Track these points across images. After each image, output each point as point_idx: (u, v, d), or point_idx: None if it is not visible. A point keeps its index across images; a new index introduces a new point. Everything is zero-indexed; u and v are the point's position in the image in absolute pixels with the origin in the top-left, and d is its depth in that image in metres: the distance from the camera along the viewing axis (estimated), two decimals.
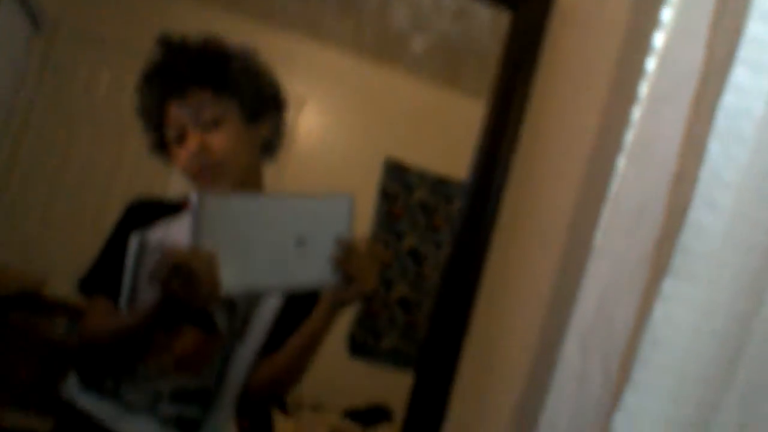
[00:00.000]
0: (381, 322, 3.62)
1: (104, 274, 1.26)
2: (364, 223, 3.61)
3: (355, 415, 3.12)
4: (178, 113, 1.17)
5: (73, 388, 1.24)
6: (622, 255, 0.72)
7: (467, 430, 0.80)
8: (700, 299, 0.73)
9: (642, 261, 0.70)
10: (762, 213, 0.76)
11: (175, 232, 1.26)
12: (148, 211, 1.27)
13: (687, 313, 0.73)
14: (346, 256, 1.03)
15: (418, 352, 0.85)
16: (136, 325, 1.12)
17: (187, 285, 0.97)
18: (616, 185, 0.77)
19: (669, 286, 0.71)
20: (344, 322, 3.53)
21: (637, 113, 0.79)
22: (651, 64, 0.79)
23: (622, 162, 0.77)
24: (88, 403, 1.21)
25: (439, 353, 0.82)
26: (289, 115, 1.36)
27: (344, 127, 3.69)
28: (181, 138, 1.18)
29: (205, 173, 1.20)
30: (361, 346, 3.58)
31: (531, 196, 0.81)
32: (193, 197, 0.93)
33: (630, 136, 0.79)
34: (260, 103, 1.23)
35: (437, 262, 3.71)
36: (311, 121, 3.62)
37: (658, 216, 0.70)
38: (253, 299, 1.28)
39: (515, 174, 0.84)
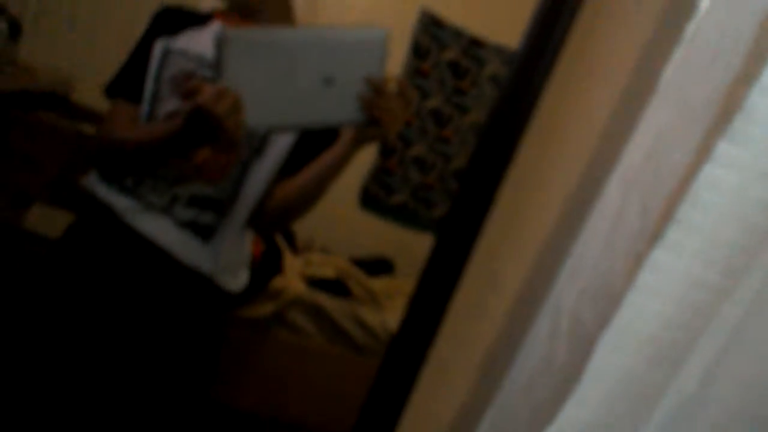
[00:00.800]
0: (394, 178, 3.63)
1: (130, 79, 1.26)
2: (390, 74, 3.52)
3: (360, 263, 3.20)
4: None
5: (94, 182, 1.27)
6: (687, 100, 0.69)
7: (494, 264, 0.80)
8: (752, 164, 0.71)
9: (708, 106, 0.67)
10: None
11: (199, 43, 1.24)
12: (176, 20, 1.27)
13: (734, 176, 0.70)
14: (375, 96, 1.01)
15: (452, 199, 0.84)
16: (153, 142, 1.12)
17: (209, 126, 0.97)
18: (693, 24, 0.71)
19: (722, 148, 0.68)
20: (359, 174, 3.54)
21: None
22: None
23: (704, 2, 0.72)
24: (108, 196, 1.24)
25: (472, 196, 0.80)
26: None
27: None
28: None
29: None
30: (372, 199, 3.61)
31: (599, 30, 0.76)
32: (219, 29, 0.90)
33: None
34: None
35: (458, 126, 3.66)
36: None
37: (735, 60, 0.66)
38: None
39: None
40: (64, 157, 1.91)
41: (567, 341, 0.72)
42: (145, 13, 1.33)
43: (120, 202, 1.24)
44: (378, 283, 3.04)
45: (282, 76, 0.95)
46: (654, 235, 0.68)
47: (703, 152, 0.68)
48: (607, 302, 0.68)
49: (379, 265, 3.28)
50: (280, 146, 1.29)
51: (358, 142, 1.13)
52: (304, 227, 3.06)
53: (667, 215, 0.68)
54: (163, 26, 1.28)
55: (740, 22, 0.65)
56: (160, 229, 1.23)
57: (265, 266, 2.61)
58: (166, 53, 1.24)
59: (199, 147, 1.12)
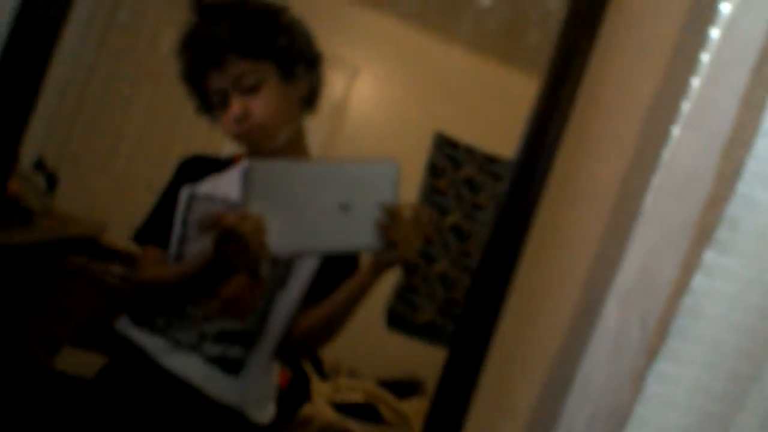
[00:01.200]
0: (420, 296, 3.65)
1: (157, 226, 1.33)
2: (409, 196, 3.63)
3: (388, 385, 3.17)
4: (218, 81, 1.20)
5: (126, 325, 1.32)
6: (669, 220, 0.74)
7: (500, 393, 0.83)
8: (742, 272, 0.74)
9: (687, 227, 0.71)
10: None
11: (223, 185, 1.31)
12: (200, 167, 1.33)
13: (727, 285, 0.74)
14: (390, 221, 1.06)
15: (456, 324, 0.87)
16: (185, 277, 1.18)
17: (236, 247, 1.02)
18: (669, 151, 0.77)
19: (710, 257, 0.72)
20: (384, 294, 3.57)
21: (696, 82, 0.79)
22: (715, 32, 0.79)
23: (677, 130, 0.78)
24: (140, 338, 1.28)
25: (475, 322, 0.84)
26: (341, 82, 1.41)
27: (397, 98, 3.70)
28: (224, 103, 1.22)
29: (250, 135, 1.23)
30: (398, 319, 3.62)
31: (582, 161, 0.82)
32: (244, 163, 0.97)
33: (687, 105, 0.79)
34: (297, 61, 1.25)
35: (480, 241, 3.72)
36: (365, 90, 3.65)
37: (707, 184, 0.71)
38: None
39: (567, 140, 0.85)
40: (96, 302, 1.98)
41: None
42: (172, 157, 1.42)
43: (151, 342, 1.27)
44: (408, 405, 2.99)
45: (302, 203, 1.01)
46: (655, 349, 0.70)
47: (691, 265, 0.72)
48: (618, 421, 0.70)
49: (408, 387, 3.24)
50: (303, 276, 1.34)
51: (378, 269, 1.16)
52: (330, 351, 3.05)
53: (665, 328, 0.71)
54: (188, 174, 1.35)
55: (709, 146, 0.71)
56: (189, 367, 1.26)
57: (293, 394, 2.60)
58: (192, 198, 1.31)
59: (229, 276, 1.16)
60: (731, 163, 0.70)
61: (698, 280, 0.72)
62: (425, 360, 3.46)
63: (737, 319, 0.76)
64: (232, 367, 1.27)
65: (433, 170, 3.73)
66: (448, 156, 3.73)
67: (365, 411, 2.80)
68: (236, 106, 1.19)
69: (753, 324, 0.77)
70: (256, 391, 1.31)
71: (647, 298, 0.73)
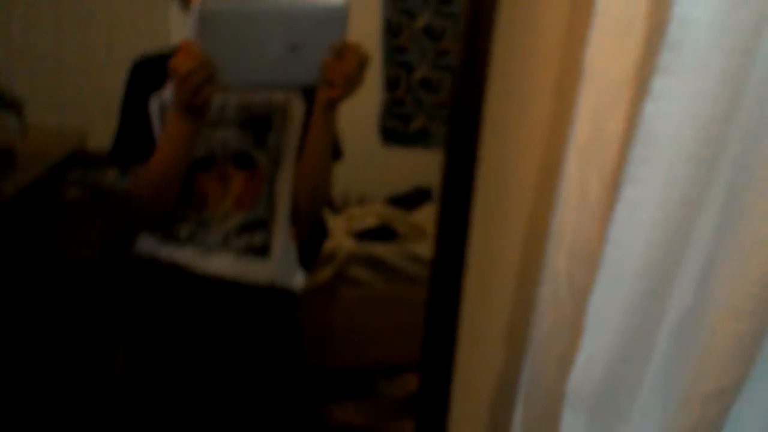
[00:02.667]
0: (407, 106, 3.69)
1: (133, 141, 1.37)
2: (371, 3, 3.54)
3: (398, 200, 3.32)
4: None
5: (150, 246, 1.41)
6: (608, 73, 0.78)
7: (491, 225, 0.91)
8: (684, 91, 0.79)
9: (629, 79, 0.76)
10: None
11: None
12: (155, 69, 1.35)
13: (673, 106, 0.79)
14: (334, 60, 1.14)
15: (446, 132, 0.97)
16: (168, 144, 1.25)
17: (187, 83, 1.11)
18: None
19: (657, 83, 0.76)
20: (373, 114, 3.62)
21: None
22: None
23: None
24: (169, 252, 1.38)
25: (462, 132, 0.91)
26: None
27: None
28: None
29: None
30: (392, 133, 3.69)
31: (524, 19, 0.84)
32: (196, 5, 1.03)
33: None
34: None
35: (456, 35, 3.66)
36: None
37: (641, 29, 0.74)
38: (280, 131, 1.39)
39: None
40: (106, 213, 2.06)
41: (571, 298, 0.84)
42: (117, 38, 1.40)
43: (182, 254, 1.38)
44: (420, 215, 3.16)
45: (252, 42, 1.07)
46: (612, 198, 0.78)
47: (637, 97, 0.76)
48: (591, 264, 0.79)
49: (417, 197, 3.40)
50: (290, 152, 1.42)
51: (325, 106, 1.27)
52: (337, 184, 3.18)
53: (620, 176, 0.78)
54: (145, 78, 1.37)
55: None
56: (224, 264, 1.39)
57: (312, 236, 2.77)
58: (163, 108, 1.35)
59: (200, 118, 1.23)
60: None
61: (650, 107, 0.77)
62: (426, 167, 3.59)
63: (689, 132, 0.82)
64: (260, 251, 1.40)
65: (390, 28, 3.60)
66: (401, 10, 3.58)
67: (382, 232, 2.98)
68: None
69: (706, 134, 0.83)
70: (286, 263, 1.45)
71: (602, 149, 0.80)
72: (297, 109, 1.43)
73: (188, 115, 1.20)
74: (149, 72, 1.37)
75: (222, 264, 1.38)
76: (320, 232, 2.79)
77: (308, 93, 1.40)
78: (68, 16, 3.05)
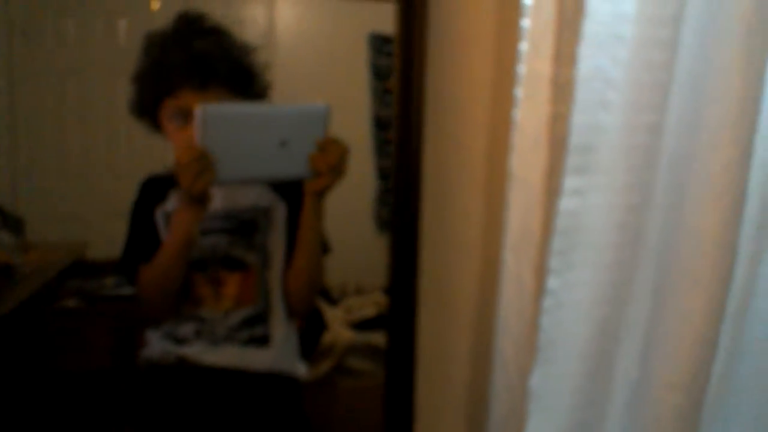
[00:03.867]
0: None
1: (140, 249, 1.48)
2: (361, 101, 3.72)
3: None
4: (192, 99, 1.32)
5: (155, 346, 1.49)
6: (530, 177, 0.88)
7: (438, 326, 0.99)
8: (599, 188, 0.89)
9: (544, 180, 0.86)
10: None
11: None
12: (160, 185, 1.49)
13: (591, 199, 0.88)
14: (319, 154, 1.27)
15: (389, 246, 1.11)
16: (172, 240, 1.35)
17: (190, 172, 1.21)
18: (518, 114, 0.90)
19: (570, 183, 0.85)
20: (368, 204, 3.75)
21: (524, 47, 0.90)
22: None
23: (520, 93, 0.90)
24: (178, 349, 1.46)
25: (404, 236, 1.00)
26: (265, 13, 1.57)
27: (322, 12, 3.70)
28: (185, 119, 1.35)
29: None
30: (386, 222, 3.80)
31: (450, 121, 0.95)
32: (198, 108, 1.18)
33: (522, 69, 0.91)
34: (257, 94, 1.45)
35: None
36: (287, 14, 3.65)
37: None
38: (265, 232, 1.51)
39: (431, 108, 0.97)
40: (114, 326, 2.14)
41: (520, 384, 0.91)
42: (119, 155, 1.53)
43: (191, 350, 1.47)
44: None
45: (247, 141, 1.21)
46: (542, 289, 0.86)
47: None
48: (532, 345, 0.87)
49: None
50: (279, 249, 1.53)
51: (315, 195, 1.37)
52: (334, 276, 3.26)
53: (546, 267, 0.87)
54: (152, 192, 1.51)
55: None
56: (229, 355, 1.47)
57: (310, 328, 2.82)
58: (167, 216, 1.47)
59: (202, 212, 1.33)
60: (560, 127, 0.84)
61: (565, 203, 0.86)
62: None
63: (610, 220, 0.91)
64: (261, 341, 1.48)
65: (378, 73, 3.77)
66: (388, 54, 3.76)
67: (381, 321, 3.03)
68: None
69: (626, 219, 0.92)
70: (287, 351, 1.53)
71: (531, 244, 0.89)
72: (279, 210, 1.55)
73: (190, 203, 1.32)
74: (156, 188, 1.51)
75: (226, 355, 1.48)
76: (318, 324, 2.85)
77: (288, 197, 1.52)
78: (71, 130, 3.23)
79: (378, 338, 2.90)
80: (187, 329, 1.47)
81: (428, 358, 0.94)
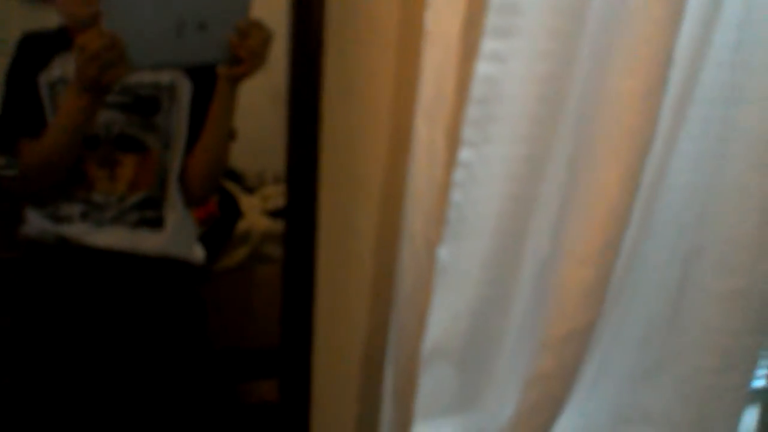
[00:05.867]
0: None
1: (18, 123, 1.34)
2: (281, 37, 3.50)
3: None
4: None
5: (36, 224, 1.38)
6: (447, 34, 0.80)
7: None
8: (521, 54, 0.82)
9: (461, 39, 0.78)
10: None
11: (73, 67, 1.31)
12: (42, 45, 1.33)
13: (511, 66, 0.82)
14: (239, 38, 1.16)
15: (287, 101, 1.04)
16: (64, 122, 1.24)
17: (95, 64, 1.09)
18: None
19: (488, 46, 0.79)
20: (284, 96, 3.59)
21: None
22: None
23: None
24: (59, 229, 1.36)
25: (304, 103, 0.92)
26: None
27: None
28: None
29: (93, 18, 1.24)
30: None
31: None
32: None
33: None
34: None
35: None
36: None
37: None
38: (168, 112, 1.39)
39: None
40: None
41: (428, 257, 0.88)
42: None
43: (73, 229, 1.36)
44: None
45: (159, 21, 1.09)
46: (455, 160, 0.81)
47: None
48: (441, 222, 0.83)
49: None
50: (181, 131, 1.41)
51: (231, 81, 1.27)
52: (251, 164, 3.15)
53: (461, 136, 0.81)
54: (32, 54, 1.34)
55: None
56: (117, 236, 1.38)
57: (225, 216, 2.74)
58: (53, 86, 1.32)
59: (100, 101, 1.22)
60: None
61: (483, 68, 0.80)
62: None
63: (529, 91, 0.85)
64: (154, 223, 1.39)
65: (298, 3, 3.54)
66: None
67: None
68: None
69: (545, 92, 0.87)
70: (181, 236, 1.44)
71: (445, 110, 0.83)
72: (184, 89, 1.42)
73: (91, 93, 1.19)
74: (37, 49, 1.35)
75: (114, 237, 1.38)
76: (233, 211, 2.77)
77: (194, 75, 1.40)
78: None
79: None
80: (72, 210, 1.36)
81: (330, 235, 0.89)
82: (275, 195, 3.09)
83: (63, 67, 1.32)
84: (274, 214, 2.90)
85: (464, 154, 0.79)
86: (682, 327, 0.99)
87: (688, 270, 0.98)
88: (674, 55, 0.81)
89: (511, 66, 0.82)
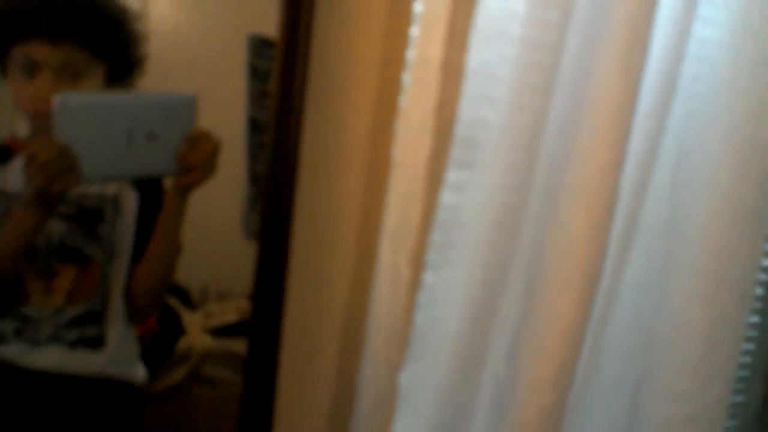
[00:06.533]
0: None
1: None
2: (237, 103, 3.59)
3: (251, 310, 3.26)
4: (41, 51, 1.18)
5: None
6: (413, 166, 0.86)
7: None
8: (481, 183, 0.88)
9: (427, 170, 0.84)
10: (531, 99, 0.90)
11: (12, 181, 1.31)
12: None
13: (472, 196, 0.87)
14: (188, 148, 1.16)
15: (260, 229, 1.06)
16: (14, 236, 1.20)
17: (44, 175, 1.06)
18: (404, 100, 0.88)
19: (453, 176, 0.84)
20: (236, 210, 3.60)
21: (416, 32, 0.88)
22: None
23: (407, 78, 0.88)
24: None
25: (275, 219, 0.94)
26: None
27: (200, 8, 3.55)
28: (32, 72, 1.21)
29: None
30: (255, 229, 3.68)
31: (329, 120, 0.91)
32: (55, 98, 1.03)
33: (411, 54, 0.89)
34: (127, 68, 1.29)
35: None
36: (162, 7, 3.47)
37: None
38: (112, 223, 1.38)
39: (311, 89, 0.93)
40: None
41: (388, 376, 0.88)
42: None
43: (7, 350, 1.29)
44: None
45: (110, 133, 1.09)
46: (419, 283, 0.84)
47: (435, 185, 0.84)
48: (404, 339, 0.84)
49: None
50: (126, 242, 1.40)
51: (181, 191, 1.28)
52: (195, 280, 3.10)
53: (425, 260, 0.84)
54: None
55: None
56: (54, 357, 1.31)
57: (165, 333, 2.66)
58: None
59: (50, 214, 1.20)
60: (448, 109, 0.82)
61: (447, 197, 0.84)
62: None
63: (488, 219, 0.90)
64: (94, 342, 1.34)
65: (256, 74, 3.67)
66: (268, 57, 3.68)
67: (242, 328, 2.91)
68: (47, 82, 1.17)
69: (503, 219, 0.92)
70: (122, 355, 1.39)
71: (409, 234, 0.86)
72: (129, 199, 1.43)
73: (39, 206, 1.17)
74: None
75: (51, 357, 1.31)
76: (174, 328, 2.70)
77: (140, 186, 1.41)
78: None
79: (238, 345, 2.78)
80: (5, 326, 1.31)
81: (292, 359, 0.89)
82: (219, 312, 3.03)
83: (1, 181, 1.31)
84: (216, 332, 2.83)
85: (428, 276, 0.82)
86: None
87: (638, 395, 1.01)
88: (620, 193, 0.88)
89: (470, 195, 0.88)
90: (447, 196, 0.82)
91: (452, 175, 0.84)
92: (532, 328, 0.92)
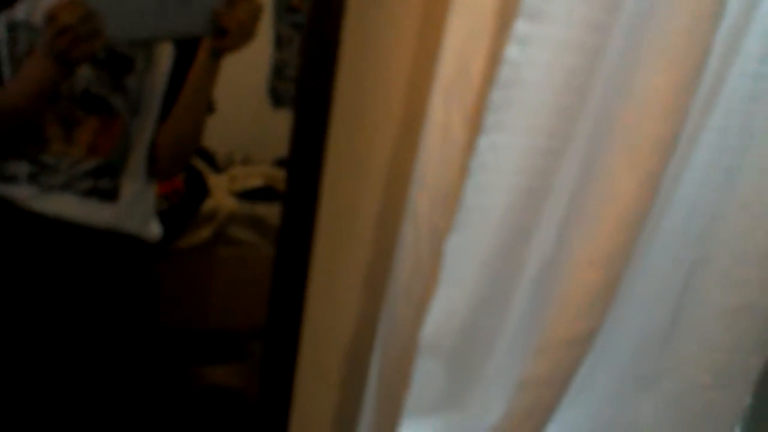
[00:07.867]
0: (295, 67, 3.60)
1: None
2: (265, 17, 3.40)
3: (284, 163, 3.24)
4: None
5: None
6: (474, 14, 0.75)
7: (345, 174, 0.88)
8: (551, 38, 0.78)
9: (494, 20, 0.73)
10: None
11: (42, 10, 1.22)
12: None
13: (539, 52, 0.77)
14: (226, 9, 1.10)
15: (297, 73, 0.96)
16: (25, 89, 1.14)
17: (67, 38, 1.02)
18: None
19: (521, 27, 0.74)
20: (263, 74, 3.51)
21: None
22: None
23: None
24: (3, 189, 1.26)
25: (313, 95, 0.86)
26: None
27: None
28: None
29: None
30: (281, 95, 3.59)
31: None
32: None
33: None
34: None
35: None
36: None
37: None
38: (141, 75, 1.30)
39: None
40: None
41: (431, 243, 0.82)
42: None
43: (18, 191, 1.26)
44: None
45: None
46: (474, 145, 0.76)
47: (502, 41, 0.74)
48: (452, 204, 0.77)
49: None
50: (153, 97, 1.33)
51: (214, 55, 1.21)
52: (221, 143, 3.06)
53: (482, 122, 0.76)
54: None
55: None
56: (64, 204, 1.28)
57: (191, 193, 2.65)
58: (12, 28, 1.23)
59: (67, 75, 1.13)
60: None
61: (511, 50, 0.75)
62: None
63: (553, 80, 0.81)
64: (106, 195, 1.30)
65: None
66: None
67: (266, 193, 2.90)
68: None
69: (571, 84, 0.82)
70: (136, 211, 1.36)
71: (467, 90, 0.77)
72: (165, 54, 1.33)
73: (59, 65, 1.10)
74: None
75: (61, 204, 1.28)
76: (200, 190, 2.68)
77: (180, 43, 1.31)
78: None
79: (262, 209, 2.78)
80: (19, 169, 1.26)
81: (331, 213, 0.83)
82: (244, 176, 3.01)
83: (29, 12, 1.22)
84: (241, 195, 2.82)
85: (483, 140, 0.74)
86: (678, 340, 0.96)
87: (691, 281, 0.95)
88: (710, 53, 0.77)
89: (536, 53, 0.78)
90: (512, 51, 0.72)
91: (521, 26, 0.74)
92: (590, 204, 0.84)
